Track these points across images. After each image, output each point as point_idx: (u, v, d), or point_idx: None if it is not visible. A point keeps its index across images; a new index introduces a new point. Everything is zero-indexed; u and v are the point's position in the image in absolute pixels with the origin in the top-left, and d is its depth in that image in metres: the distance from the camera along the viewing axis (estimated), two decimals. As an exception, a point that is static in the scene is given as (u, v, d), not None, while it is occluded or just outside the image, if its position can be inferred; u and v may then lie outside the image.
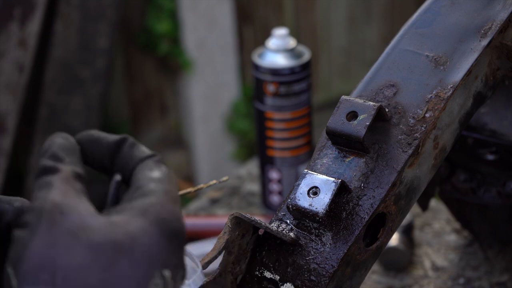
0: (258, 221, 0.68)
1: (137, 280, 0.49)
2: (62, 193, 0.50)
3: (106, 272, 0.48)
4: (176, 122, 3.06)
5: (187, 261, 0.77)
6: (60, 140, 0.55)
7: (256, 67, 1.16)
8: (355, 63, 3.27)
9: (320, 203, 0.68)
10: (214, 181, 0.85)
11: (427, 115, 0.71)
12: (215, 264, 0.69)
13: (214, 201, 1.26)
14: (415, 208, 1.15)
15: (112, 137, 0.58)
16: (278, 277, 0.70)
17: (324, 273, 0.68)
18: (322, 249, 0.69)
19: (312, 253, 0.69)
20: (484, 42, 0.74)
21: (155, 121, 3.02)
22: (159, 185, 0.53)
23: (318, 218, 0.68)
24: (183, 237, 0.52)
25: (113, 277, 0.48)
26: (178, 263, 0.52)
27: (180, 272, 0.52)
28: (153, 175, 0.54)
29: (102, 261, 0.48)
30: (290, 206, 0.69)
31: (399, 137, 0.71)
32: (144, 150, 0.57)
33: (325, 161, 0.72)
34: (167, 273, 0.50)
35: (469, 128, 0.94)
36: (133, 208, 0.51)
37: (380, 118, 0.71)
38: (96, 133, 0.58)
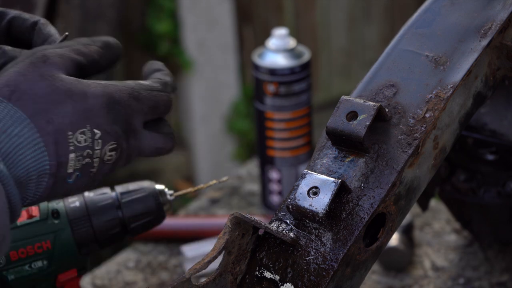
0: (258, 221, 0.68)
1: (71, 120, 0.65)
2: (57, 54, 0.67)
3: (51, 105, 0.64)
4: (176, 122, 3.06)
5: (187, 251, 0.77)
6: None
7: (256, 67, 1.16)
8: (355, 63, 3.27)
9: (320, 203, 0.68)
10: (214, 181, 0.85)
11: (427, 115, 0.72)
12: (215, 264, 0.69)
13: (214, 201, 1.26)
14: (415, 208, 1.15)
15: (32, 18, 0.72)
16: (278, 277, 0.70)
17: (324, 273, 0.68)
18: (322, 249, 0.69)
19: (312, 253, 0.69)
20: (484, 42, 0.74)
21: (155, 121, 3.01)
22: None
23: (318, 218, 0.68)
24: (123, 109, 0.68)
25: (55, 112, 0.64)
26: (110, 135, 0.67)
27: (109, 142, 0.67)
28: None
29: (53, 97, 0.64)
30: (290, 206, 0.69)
31: (399, 137, 0.71)
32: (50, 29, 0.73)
33: (325, 161, 0.72)
34: (96, 131, 0.66)
35: (469, 128, 0.94)
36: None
37: (380, 118, 0.71)
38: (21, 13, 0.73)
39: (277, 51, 1.15)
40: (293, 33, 2.18)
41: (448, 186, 1.00)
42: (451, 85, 0.73)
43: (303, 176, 0.70)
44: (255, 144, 1.46)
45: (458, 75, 0.73)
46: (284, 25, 2.95)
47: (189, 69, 2.89)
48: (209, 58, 2.92)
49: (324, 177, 0.69)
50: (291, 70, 1.14)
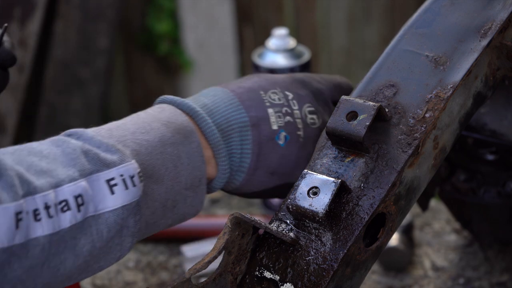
0: (258, 221, 0.68)
1: (260, 84, 0.75)
2: None
3: (240, 79, 0.77)
4: (176, 122, 3.06)
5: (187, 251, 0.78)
6: None
7: (256, 67, 1.16)
8: (355, 63, 3.27)
9: (320, 203, 0.68)
10: (214, 181, 0.85)
11: (427, 115, 0.71)
12: (215, 264, 0.69)
13: (214, 201, 1.26)
14: (415, 208, 1.15)
15: None
16: (278, 277, 0.70)
17: (324, 273, 0.68)
18: (322, 249, 0.69)
19: (312, 253, 0.69)
20: (484, 42, 0.74)
21: (155, 121, 3.01)
22: None
23: (318, 218, 0.68)
24: (310, 85, 0.77)
25: (244, 81, 0.76)
26: (304, 97, 0.75)
27: (305, 103, 0.75)
28: None
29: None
30: (290, 206, 0.69)
31: (399, 137, 0.71)
32: None
33: (325, 161, 0.72)
34: (288, 93, 0.75)
35: (469, 128, 0.94)
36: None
37: (380, 118, 0.71)
38: None
39: (277, 51, 1.15)
40: (293, 33, 2.18)
41: (448, 186, 1.00)
42: (451, 85, 0.73)
43: (303, 176, 0.70)
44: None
45: (458, 75, 0.73)
46: (284, 25, 2.95)
47: (189, 69, 2.89)
48: (209, 58, 2.92)
49: (324, 177, 0.69)
50: (291, 70, 1.14)
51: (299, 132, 0.74)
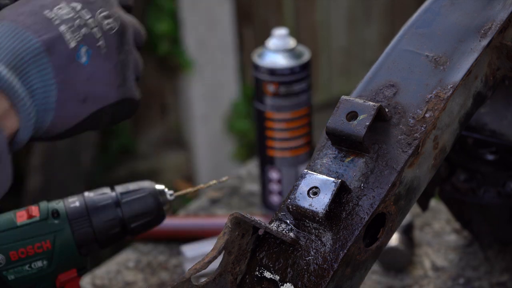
0: (258, 221, 0.68)
1: (41, 3, 0.64)
2: None
3: (17, 6, 0.64)
4: (176, 122, 3.06)
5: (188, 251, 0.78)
6: None
7: (256, 67, 1.16)
8: (355, 63, 3.27)
9: (320, 203, 0.68)
10: (214, 181, 0.85)
11: (427, 115, 0.72)
12: (215, 264, 0.70)
13: (214, 201, 1.26)
14: (415, 208, 1.15)
15: None
16: (278, 278, 0.70)
17: (324, 273, 0.68)
18: (322, 249, 0.69)
19: (312, 253, 0.69)
20: (484, 42, 0.74)
21: (155, 121, 3.02)
22: None
23: (318, 218, 0.68)
24: None
25: (21, 6, 0.64)
26: (92, 3, 0.67)
27: (97, 9, 0.67)
28: None
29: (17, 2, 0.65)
30: (290, 206, 0.69)
31: (399, 137, 0.71)
32: None
33: (325, 161, 0.72)
34: (75, 3, 0.66)
35: (469, 128, 0.94)
36: None
37: (380, 118, 0.71)
38: None
39: (277, 51, 1.15)
40: (293, 33, 2.18)
41: (448, 186, 1.00)
42: (451, 85, 0.73)
43: (303, 176, 0.70)
44: (255, 144, 1.46)
45: (458, 75, 0.73)
46: (284, 25, 2.95)
47: (189, 69, 2.89)
48: (209, 58, 2.93)
49: (324, 177, 0.69)
50: (291, 70, 1.14)
51: (99, 43, 0.66)
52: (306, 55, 1.16)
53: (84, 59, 0.64)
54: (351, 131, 0.70)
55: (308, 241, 0.69)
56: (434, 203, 1.18)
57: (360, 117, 0.70)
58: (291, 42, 1.16)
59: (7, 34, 0.61)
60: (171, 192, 0.83)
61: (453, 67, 0.74)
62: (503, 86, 0.84)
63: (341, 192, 0.69)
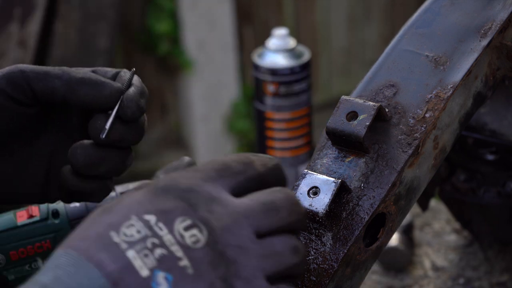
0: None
1: (110, 221, 0.53)
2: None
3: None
4: (176, 122, 3.06)
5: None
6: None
7: (256, 67, 1.16)
8: (355, 63, 3.27)
9: (320, 203, 0.68)
10: (214, 181, 0.85)
11: (427, 115, 0.71)
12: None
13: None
14: (415, 208, 1.15)
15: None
16: (278, 277, 0.70)
17: (324, 273, 0.68)
18: (322, 249, 0.69)
19: (312, 253, 0.69)
20: (484, 42, 0.74)
21: (155, 121, 3.02)
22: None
23: (318, 218, 0.68)
24: (176, 189, 0.55)
25: (100, 221, 0.54)
26: (171, 211, 0.54)
27: (176, 219, 0.54)
28: None
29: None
30: (290, 206, 0.69)
31: (399, 137, 0.71)
32: None
33: (325, 161, 0.72)
34: (147, 216, 0.53)
35: (469, 128, 0.94)
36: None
37: (380, 118, 0.71)
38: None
39: (277, 51, 1.15)
40: (293, 33, 2.18)
41: (448, 186, 1.00)
42: (451, 85, 0.73)
43: (303, 176, 0.70)
44: (255, 144, 1.46)
45: (458, 75, 0.73)
46: (284, 25, 2.95)
47: (189, 69, 2.89)
48: (209, 58, 2.92)
49: (324, 177, 0.69)
50: (291, 70, 1.14)
51: (183, 263, 0.52)
52: (306, 55, 1.16)
53: (164, 286, 0.51)
54: (351, 131, 0.70)
55: (308, 241, 0.69)
56: (434, 203, 1.18)
57: (360, 117, 0.70)
58: (291, 42, 1.16)
59: (68, 269, 0.52)
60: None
61: (453, 67, 0.74)
62: (503, 86, 0.84)
63: (341, 192, 0.69)
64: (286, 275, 0.55)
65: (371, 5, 3.22)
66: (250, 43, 3.04)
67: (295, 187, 0.70)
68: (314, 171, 0.71)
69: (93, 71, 0.70)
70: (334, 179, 0.69)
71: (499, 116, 0.93)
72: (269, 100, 1.16)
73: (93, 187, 0.70)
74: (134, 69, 0.70)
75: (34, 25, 2.44)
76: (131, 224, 0.53)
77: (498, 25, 0.75)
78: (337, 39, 3.22)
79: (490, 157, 0.95)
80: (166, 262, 0.52)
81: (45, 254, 0.77)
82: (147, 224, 0.53)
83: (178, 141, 3.07)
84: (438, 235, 1.13)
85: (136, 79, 0.69)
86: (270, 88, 1.15)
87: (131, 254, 0.52)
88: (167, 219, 0.54)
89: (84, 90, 0.68)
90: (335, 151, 0.72)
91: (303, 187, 0.69)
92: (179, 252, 0.53)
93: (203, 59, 2.91)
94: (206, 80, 2.94)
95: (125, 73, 0.70)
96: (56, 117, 0.71)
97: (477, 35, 0.75)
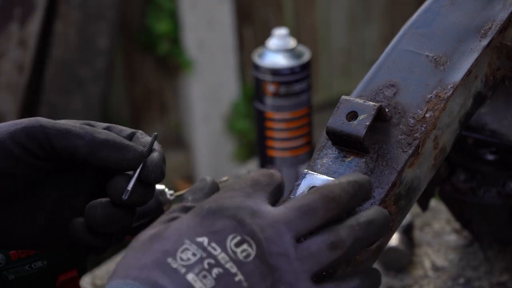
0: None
1: (163, 249, 0.56)
2: None
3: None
4: (176, 122, 3.06)
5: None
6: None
7: (256, 67, 1.16)
8: (355, 63, 3.27)
9: (320, 203, 0.68)
10: (214, 181, 0.85)
11: (427, 115, 0.71)
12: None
13: (214, 201, 1.26)
14: (415, 208, 1.15)
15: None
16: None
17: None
18: (322, 249, 0.68)
19: (312, 253, 0.69)
20: (484, 42, 0.74)
21: (155, 121, 3.02)
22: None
23: (318, 218, 0.68)
24: (223, 210, 0.59)
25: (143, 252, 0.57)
26: (221, 231, 0.57)
27: (227, 237, 0.57)
28: None
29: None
30: (290, 206, 0.69)
31: (399, 137, 0.71)
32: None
33: (325, 161, 0.72)
34: (200, 239, 0.57)
35: (469, 128, 0.94)
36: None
37: (380, 118, 0.71)
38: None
39: (277, 51, 1.15)
40: (293, 33, 2.18)
41: (448, 186, 1.00)
42: (451, 85, 0.73)
43: (303, 176, 0.70)
44: (255, 144, 1.46)
45: (458, 75, 0.73)
46: (284, 25, 2.95)
47: (189, 69, 2.89)
48: (209, 58, 2.92)
49: (324, 177, 0.69)
50: (291, 70, 1.14)
51: (237, 278, 0.56)
52: (306, 55, 1.16)
53: None
54: (351, 131, 0.70)
55: (308, 241, 0.69)
56: (434, 203, 1.18)
57: (360, 117, 0.70)
58: (291, 42, 1.16)
59: None
60: (171, 192, 0.83)
61: (453, 67, 0.74)
62: (503, 86, 0.84)
63: (341, 192, 0.69)
64: (330, 271, 0.60)
65: (371, 5, 3.22)
66: (250, 43, 3.04)
67: (295, 187, 0.70)
68: (314, 171, 0.71)
69: (107, 128, 0.70)
70: (334, 179, 0.69)
71: (499, 116, 0.93)
72: (269, 100, 1.16)
73: (104, 244, 0.71)
74: (156, 133, 0.71)
75: (34, 25, 2.44)
76: (186, 248, 0.56)
77: (498, 25, 0.75)
78: (337, 39, 3.22)
79: (490, 157, 0.95)
80: (224, 280, 0.55)
81: (45, 254, 0.77)
82: (200, 246, 0.56)
83: (178, 141, 3.07)
84: (438, 235, 1.13)
85: (156, 144, 0.70)
86: (270, 88, 1.15)
87: (190, 277, 0.55)
88: (219, 238, 0.57)
89: (107, 152, 0.67)
90: (335, 151, 0.72)
91: (303, 187, 0.69)
92: (233, 269, 0.56)
93: (203, 59, 2.91)
94: (206, 80, 2.94)
95: (142, 135, 0.71)
96: (70, 172, 0.71)
97: (477, 35, 0.75)
